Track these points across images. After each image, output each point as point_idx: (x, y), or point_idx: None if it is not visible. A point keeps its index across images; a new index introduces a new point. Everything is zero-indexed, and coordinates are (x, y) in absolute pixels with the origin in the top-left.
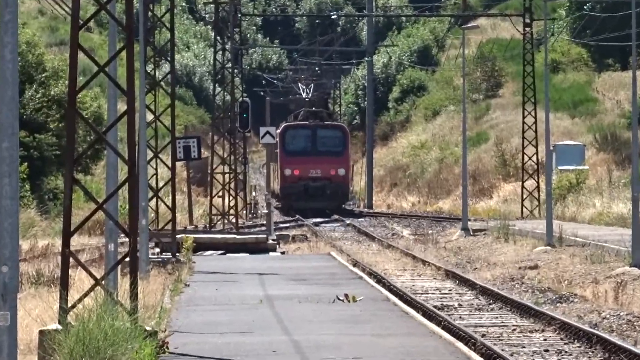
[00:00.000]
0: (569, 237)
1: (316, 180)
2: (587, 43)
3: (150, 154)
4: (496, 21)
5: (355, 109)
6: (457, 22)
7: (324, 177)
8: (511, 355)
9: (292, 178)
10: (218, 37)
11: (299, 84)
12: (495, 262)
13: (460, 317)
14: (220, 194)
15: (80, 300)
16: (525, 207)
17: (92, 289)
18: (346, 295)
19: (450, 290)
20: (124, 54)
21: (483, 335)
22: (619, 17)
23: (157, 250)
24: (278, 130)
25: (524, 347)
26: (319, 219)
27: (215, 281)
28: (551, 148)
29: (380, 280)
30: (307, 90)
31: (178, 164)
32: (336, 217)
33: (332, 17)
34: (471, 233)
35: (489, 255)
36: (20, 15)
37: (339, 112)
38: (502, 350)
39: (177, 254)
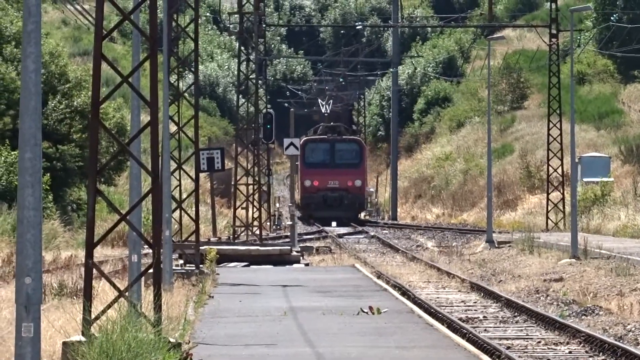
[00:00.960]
0: (594, 249)
1: (334, 190)
2: (613, 54)
3: (173, 165)
4: (522, 32)
5: (380, 120)
6: (482, 32)
7: (342, 187)
8: None
9: (311, 189)
10: (242, 48)
11: (319, 100)
12: (520, 274)
13: (485, 330)
14: (244, 205)
15: (103, 311)
16: (550, 219)
17: (115, 300)
18: (370, 308)
19: (475, 302)
20: (147, 64)
21: (508, 348)
22: None
23: (181, 261)
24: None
25: (549, 359)
26: (342, 230)
27: (239, 293)
28: (576, 160)
29: (404, 292)
30: (327, 105)
31: (202, 175)
32: (360, 229)
33: (357, 27)
34: (496, 245)
35: (513, 268)
36: (43, 25)
37: (363, 124)
38: None
39: (201, 266)
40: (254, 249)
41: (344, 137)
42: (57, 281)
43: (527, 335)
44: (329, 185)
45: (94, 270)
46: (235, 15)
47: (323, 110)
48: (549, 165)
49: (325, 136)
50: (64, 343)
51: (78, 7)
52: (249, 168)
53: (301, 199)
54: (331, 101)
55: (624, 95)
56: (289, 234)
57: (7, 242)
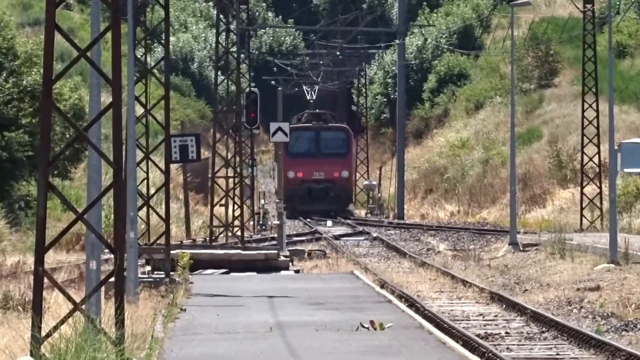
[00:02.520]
0: (637, 252)
1: (320, 182)
2: None
3: (140, 155)
4: None
5: (384, 100)
6: None
7: (328, 179)
8: None
9: (295, 180)
10: (221, 16)
11: (304, 87)
12: (549, 282)
13: (508, 348)
14: (223, 202)
15: (56, 327)
16: (585, 218)
17: (70, 314)
18: (372, 322)
19: (495, 315)
20: (109, 36)
21: None
22: None
23: (148, 268)
24: None
25: None
26: (339, 231)
27: (217, 305)
28: (616, 147)
29: (412, 304)
30: (312, 92)
31: (173, 166)
32: (360, 229)
33: None
34: (520, 248)
35: (541, 275)
36: None
37: (364, 105)
38: None
39: (172, 273)
40: (234, 254)
41: (330, 124)
42: (2, 292)
43: (558, 354)
44: (314, 176)
45: (45, 279)
46: None
47: (308, 97)
48: (583, 153)
49: (310, 124)
50: None
51: None
52: (229, 158)
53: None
54: (317, 88)
55: None
56: (276, 235)
57: None
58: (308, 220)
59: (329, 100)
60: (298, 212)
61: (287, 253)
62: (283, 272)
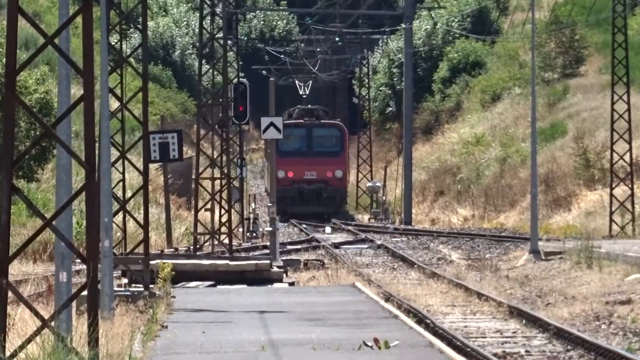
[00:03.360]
0: None
1: (311, 183)
2: None
3: (115, 154)
4: None
5: (389, 92)
6: None
7: (320, 179)
8: None
9: (285, 181)
10: None
11: (296, 81)
12: (574, 295)
13: None
14: (209, 206)
15: (22, 347)
16: (615, 223)
17: (38, 332)
18: (376, 340)
19: (514, 332)
20: (79, 20)
21: None
22: None
23: (125, 281)
24: None
25: None
26: (339, 239)
27: (202, 321)
28: None
29: (421, 319)
30: (305, 87)
31: (152, 167)
32: (362, 236)
33: None
34: (543, 257)
35: (566, 287)
36: None
37: (366, 97)
38: None
39: (151, 286)
40: (221, 264)
41: (322, 121)
42: None
43: None
44: (306, 176)
45: (10, 293)
46: None
47: (301, 91)
48: (612, 150)
49: (302, 120)
50: None
51: None
52: (215, 157)
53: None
54: (310, 82)
55: None
56: (268, 243)
57: None
58: (304, 226)
59: (327, 92)
60: (289, 214)
61: (281, 263)
62: (276, 285)
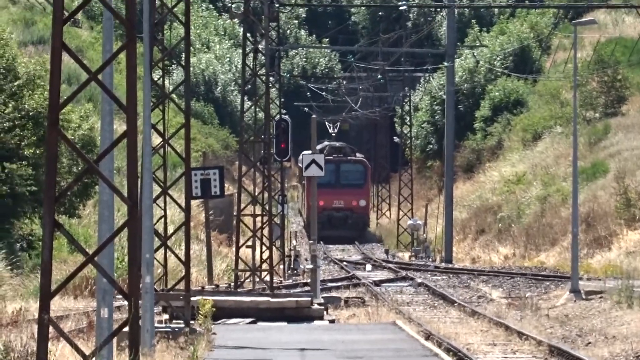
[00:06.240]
0: None
1: (339, 210)
2: None
3: (157, 190)
4: (619, 14)
5: (431, 129)
6: (566, 15)
7: (346, 207)
8: None
9: (317, 208)
10: (248, 35)
11: (326, 122)
12: (615, 335)
13: None
14: (250, 242)
15: None
16: None
17: None
18: None
19: None
20: (122, 56)
21: None
22: None
23: (166, 317)
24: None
25: None
26: (379, 277)
27: (243, 359)
28: None
29: (462, 358)
30: (334, 127)
31: (194, 203)
32: (403, 274)
33: (401, 8)
34: (583, 296)
35: (606, 326)
36: None
37: (408, 135)
38: None
39: (192, 323)
40: (262, 301)
41: (349, 157)
42: (2, 343)
43: None
44: (334, 205)
45: (51, 328)
46: None
47: (330, 130)
48: None
49: (331, 157)
50: None
51: None
52: (256, 194)
53: (306, 218)
54: (338, 123)
55: None
56: (308, 280)
57: None
58: (344, 263)
59: (368, 129)
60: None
61: (322, 300)
62: (317, 322)
